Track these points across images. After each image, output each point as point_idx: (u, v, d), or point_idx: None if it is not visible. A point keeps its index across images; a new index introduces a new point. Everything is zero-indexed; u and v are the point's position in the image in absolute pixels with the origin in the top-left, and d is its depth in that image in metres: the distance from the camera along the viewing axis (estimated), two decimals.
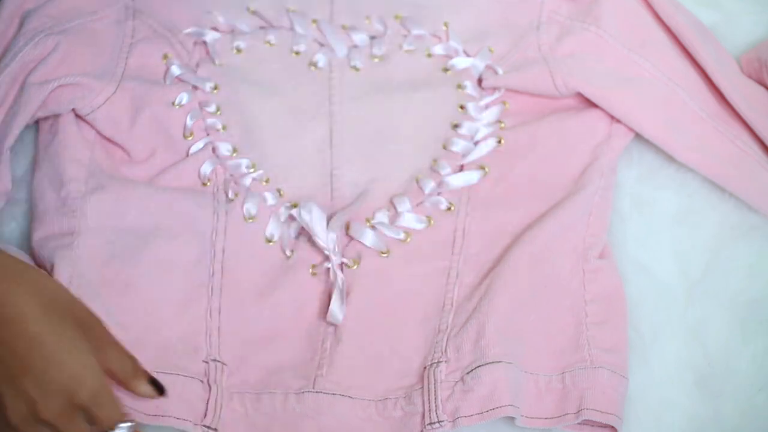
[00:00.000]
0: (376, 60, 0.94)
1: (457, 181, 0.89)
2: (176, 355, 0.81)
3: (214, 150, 0.89)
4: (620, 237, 0.89)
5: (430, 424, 0.78)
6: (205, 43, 0.94)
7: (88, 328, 0.74)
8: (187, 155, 0.89)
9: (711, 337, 0.85)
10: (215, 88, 0.91)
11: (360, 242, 0.86)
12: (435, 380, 0.79)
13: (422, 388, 0.79)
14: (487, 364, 0.78)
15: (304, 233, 0.86)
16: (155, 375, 0.77)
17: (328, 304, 0.83)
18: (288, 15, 0.94)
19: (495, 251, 0.85)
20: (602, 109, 0.91)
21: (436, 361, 0.80)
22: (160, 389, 0.76)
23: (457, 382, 0.79)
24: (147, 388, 0.76)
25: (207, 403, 0.79)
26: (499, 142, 0.90)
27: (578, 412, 0.79)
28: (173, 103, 0.90)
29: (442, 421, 0.78)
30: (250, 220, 0.86)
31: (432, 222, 0.87)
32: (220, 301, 0.83)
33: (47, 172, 0.86)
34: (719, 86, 0.91)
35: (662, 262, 0.88)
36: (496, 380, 0.78)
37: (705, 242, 0.89)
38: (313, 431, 0.79)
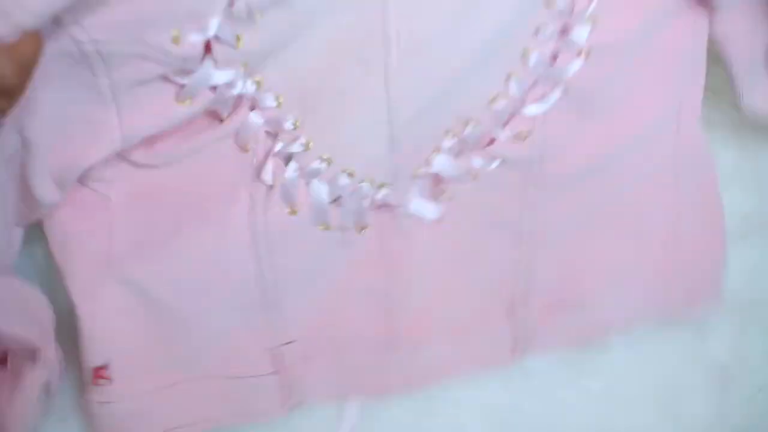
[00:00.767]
0: None
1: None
2: (240, 356, 0.77)
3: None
4: None
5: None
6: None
7: None
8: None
9: (711, 337, 0.86)
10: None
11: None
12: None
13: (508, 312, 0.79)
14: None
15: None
16: (225, 381, 0.76)
17: (383, 264, 0.77)
18: None
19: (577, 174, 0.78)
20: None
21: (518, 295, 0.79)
22: None
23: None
24: None
25: (282, 390, 0.77)
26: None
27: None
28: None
29: None
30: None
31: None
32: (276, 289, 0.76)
33: None
34: None
35: None
36: None
37: None
38: (400, 382, 0.79)
